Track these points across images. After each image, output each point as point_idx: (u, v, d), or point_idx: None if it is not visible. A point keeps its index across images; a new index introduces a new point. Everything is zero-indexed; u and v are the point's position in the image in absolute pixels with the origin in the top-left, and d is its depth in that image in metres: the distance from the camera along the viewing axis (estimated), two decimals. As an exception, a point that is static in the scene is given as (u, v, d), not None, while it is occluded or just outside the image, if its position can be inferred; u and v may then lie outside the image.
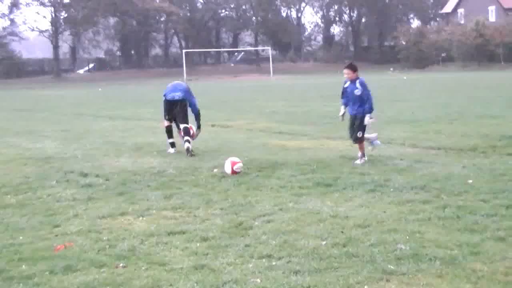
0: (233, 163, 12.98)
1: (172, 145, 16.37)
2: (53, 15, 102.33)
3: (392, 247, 7.67)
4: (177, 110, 16.33)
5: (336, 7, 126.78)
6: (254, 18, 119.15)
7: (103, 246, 8.13)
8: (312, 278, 6.83)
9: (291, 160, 14.35)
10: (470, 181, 11.40)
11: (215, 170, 13.30)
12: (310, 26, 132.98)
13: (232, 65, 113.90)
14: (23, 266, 7.48)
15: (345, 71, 14.32)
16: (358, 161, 13.82)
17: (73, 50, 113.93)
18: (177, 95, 16.60)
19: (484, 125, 19.80)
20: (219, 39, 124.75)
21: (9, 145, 18.79)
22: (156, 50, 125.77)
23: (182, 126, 15.96)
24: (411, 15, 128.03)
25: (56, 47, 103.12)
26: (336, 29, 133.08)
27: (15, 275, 7.18)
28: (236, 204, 10.20)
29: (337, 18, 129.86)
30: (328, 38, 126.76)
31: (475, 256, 7.32)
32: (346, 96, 14.24)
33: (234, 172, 12.81)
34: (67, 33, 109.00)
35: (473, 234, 8.16)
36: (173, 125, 16.63)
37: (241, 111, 29.08)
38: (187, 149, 15.49)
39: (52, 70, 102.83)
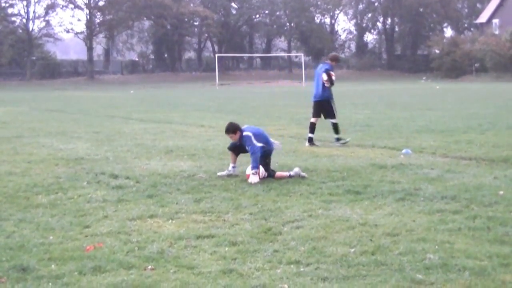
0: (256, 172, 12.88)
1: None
2: (88, 17, 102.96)
3: (421, 257, 7.64)
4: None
5: (369, 15, 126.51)
6: (287, 24, 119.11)
7: (132, 248, 8.17)
8: (340, 285, 6.82)
9: (321, 167, 14.33)
10: (501, 192, 11.31)
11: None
12: (343, 33, 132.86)
13: None
14: (53, 265, 7.53)
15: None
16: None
17: (107, 52, 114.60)
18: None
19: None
20: (253, 44, 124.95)
21: (41, 145, 18.92)
22: (189, 54, 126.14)
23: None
24: (445, 25, 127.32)
25: (90, 49, 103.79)
26: (369, 37, 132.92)
27: (44, 275, 7.24)
28: (266, 210, 10.21)
29: (370, 26, 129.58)
30: (361, 46, 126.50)
31: (505, 268, 7.27)
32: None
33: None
34: (101, 35, 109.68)
35: (503, 245, 8.11)
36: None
37: (271, 117, 29.07)
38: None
39: (85, 71, 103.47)
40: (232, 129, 13.55)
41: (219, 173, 13.49)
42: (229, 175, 13.33)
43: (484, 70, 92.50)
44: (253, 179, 12.57)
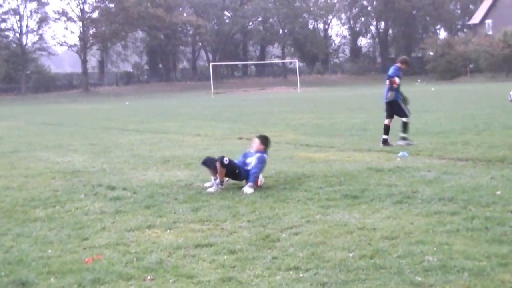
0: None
1: None
2: (82, 30, 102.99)
3: (419, 259, 7.64)
4: None
5: (363, 19, 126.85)
6: (281, 30, 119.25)
7: (131, 259, 8.16)
8: (339, 290, 6.84)
9: (318, 172, 14.33)
10: (498, 192, 11.32)
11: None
12: (337, 38, 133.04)
13: None
14: (52, 279, 7.52)
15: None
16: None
17: (101, 64, 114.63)
18: None
19: (512, 136, 19.70)
20: (247, 52, 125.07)
21: (37, 159, 18.91)
22: (184, 64, 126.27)
23: None
24: (438, 26, 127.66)
25: (84, 62, 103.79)
26: (363, 41, 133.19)
27: (44, 288, 7.24)
28: (264, 217, 10.20)
29: (364, 30, 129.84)
30: (355, 50, 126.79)
31: (504, 268, 7.28)
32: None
33: (257, 186, 12.81)
34: (95, 47, 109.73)
35: (502, 245, 8.12)
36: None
37: (267, 124, 29.09)
38: None
39: (80, 84, 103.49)
40: (266, 143, 13.65)
41: (209, 189, 12.85)
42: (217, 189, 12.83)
43: (479, 70, 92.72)
44: (249, 190, 12.53)
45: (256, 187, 12.70)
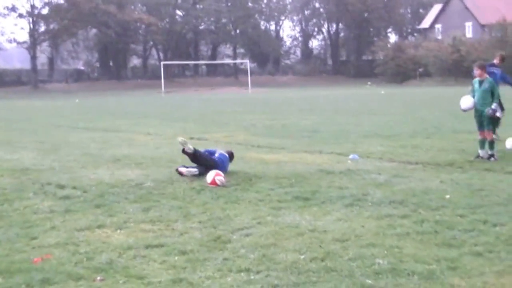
0: (217, 174, 13.05)
1: None
2: (31, 26, 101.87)
3: (370, 262, 7.69)
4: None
5: (314, 20, 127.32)
6: (233, 31, 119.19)
7: (81, 259, 8.09)
8: (290, 293, 6.84)
9: (270, 173, 14.35)
10: (448, 196, 11.45)
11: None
12: (288, 40, 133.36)
13: None
14: (0, 278, 7.42)
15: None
16: None
17: (51, 61, 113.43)
18: None
19: (461, 140, 19.90)
20: (198, 51, 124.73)
21: (-15, 156, 18.67)
22: (135, 62, 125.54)
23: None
24: (389, 30, 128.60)
25: (34, 58, 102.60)
26: (314, 43, 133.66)
27: (-9, 288, 7.14)
28: (215, 218, 10.19)
29: (315, 32, 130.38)
30: (307, 52, 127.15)
31: (453, 271, 7.35)
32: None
33: (213, 182, 12.86)
34: (45, 44, 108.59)
35: (451, 249, 8.20)
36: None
37: (219, 124, 29.04)
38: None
39: (29, 80, 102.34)
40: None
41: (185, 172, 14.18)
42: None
43: (428, 74, 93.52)
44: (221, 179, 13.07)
45: (215, 185, 12.78)
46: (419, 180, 13.21)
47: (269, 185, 12.93)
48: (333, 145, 19.44)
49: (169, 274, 7.49)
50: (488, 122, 16.08)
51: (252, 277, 7.31)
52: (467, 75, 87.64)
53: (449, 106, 36.91)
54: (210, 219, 10.13)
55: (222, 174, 13.24)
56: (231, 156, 15.05)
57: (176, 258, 8.09)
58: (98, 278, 7.38)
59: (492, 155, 15.92)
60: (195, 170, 14.16)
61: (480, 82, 16.10)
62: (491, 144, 16.04)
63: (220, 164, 14.25)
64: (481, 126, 16.22)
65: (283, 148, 19.30)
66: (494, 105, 15.90)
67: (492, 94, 15.95)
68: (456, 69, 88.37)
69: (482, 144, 16.15)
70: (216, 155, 14.66)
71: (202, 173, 13.77)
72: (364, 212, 10.40)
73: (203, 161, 14.31)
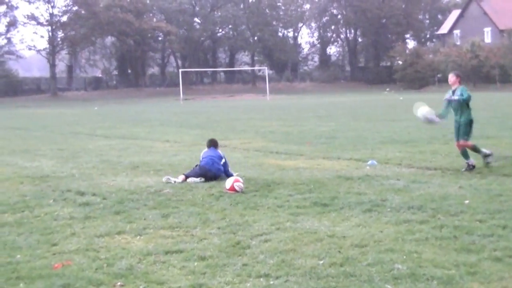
0: (236, 180, 13.12)
1: None
2: (50, 34, 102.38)
3: (389, 267, 7.69)
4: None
5: (333, 27, 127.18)
6: (251, 38, 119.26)
7: (101, 265, 8.13)
8: (309, 298, 6.86)
9: (288, 179, 14.37)
10: (467, 201, 11.42)
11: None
12: (306, 46, 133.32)
13: None
14: (21, 284, 7.49)
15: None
16: None
17: (70, 69, 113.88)
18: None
19: (480, 146, 19.80)
20: (216, 58, 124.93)
21: (5, 164, 18.78)
22: (153, 70, 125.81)
23: None
24: (408, 36, 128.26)
25: (53, 66, 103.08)
26: (332, 49, 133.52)
27: (12, 294, 7.20)
28: (234, 224, 10.22)
29: (333, 39, 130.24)
30: (325, 58, 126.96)
31: (472, 276, 7.34)
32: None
33: (232, 188, 12.90)
34: (64, 52, 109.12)
35: (470, 254, 8.19)
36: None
37: (236, 131, 29.07)
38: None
39: (48, 88, 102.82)
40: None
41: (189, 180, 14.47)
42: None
43: (446, 80, 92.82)
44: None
45: (234, 192, 12.84)
46: (438, 185, 13.19)
47: (288, 191, 12.95)
48: (351, 151, 19.43)
49: (189, 279, 7.52)
50: (463, 131, 15.55)
51: (271, 283, 7.33)
52: (486, 80, 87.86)
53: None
54: (229, 225, 10.16)
55: (241, 180, 13.27)
56: (213, 144, 15.80)
57: (195, 263, 8.12)
58: (118, 283, 7.42)
59: (487, 155, 15.69)
60: (199, 179, 14.55)
61: (453, 91, 15.79)
62: (475, 149, 15.72)
63: (209, 165, 14.80)
64: (457, 136, 15.79)
65: (301, 154, 19.31)
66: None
67: (465, 102, 15.44)
68: (475, 74, 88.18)
69: (465, 155, 15.66)
70: (200, 160, 15.31)
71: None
72: (383, 217, 10.40)
73: (201, 175, 14.67)
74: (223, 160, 15.07)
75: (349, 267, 7.76)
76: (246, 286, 7.24)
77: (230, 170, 15.11)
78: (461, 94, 15.51)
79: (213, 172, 14.67)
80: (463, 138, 15.59)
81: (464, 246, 8.55)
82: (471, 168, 15.23)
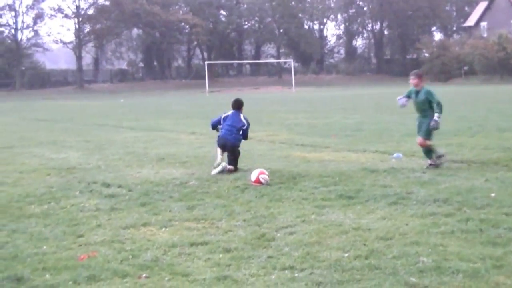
0: (261, 172, 13.11)
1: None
2: (77, 26, 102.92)
3: (414, 260, 7.66)
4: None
5: (359, 20, 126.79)
6: (277, 30, 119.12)
7: (126, 256, 8.17)
8: (334, 290, 6.85)
9: (313, 172, 14.35)
10: (493, 194, 11.36)
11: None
12: (332, 39, 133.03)
13: None
14: (47, 275, 7.53)
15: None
16: None
17: (96, 61, 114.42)
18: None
19: (506, 139, 19.71)
20: (242, 50, 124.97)
21: (32, 155, 18.91)
22: (179, 62, 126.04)
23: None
24: (434, 28, 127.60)
25: (79, 58, 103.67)
26: (358, 42, 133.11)
27: (39, 284, 7.24)
28: (259, 216, 10.22)
29: (359, 31, 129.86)
30: (351, 51, 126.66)
31: (498, 270, 7.30)
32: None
33: (257, 181, 12.90)
34: (90, 44, 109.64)
35: (496, 247, 8.15)
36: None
37: (262, 123, 29.03)
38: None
39: (75, 80, 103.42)
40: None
41: (213, 172, 14.43)
42: (222, 171, 14.43)
43: (473, 73, 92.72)
44: None
45: (259, 184, 12.89)
46: (464, 178, 13.11)
47: (313, 183, 12.93)
48: (376, 144, 19.38)
49: (214, 271, 7.53)
50: (426, 129, 15.11)
51: (296, 275, 7.33)
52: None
53: (494, 105, 36.61)
54: (254, 217, 10.17)
55: (266, 173, 13.27)
56: (238, 105, 15.92)
57: (220, 255, 8.14)
58: (143, 275, 7.45)
59: (440, 156, 15.02)
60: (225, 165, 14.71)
61: (417, 92, 15.23)
62: (430, 150, 15.13)
63: (227, 135, 15.25)
64: (418, 132, 15.38)
65: (326, 147, 19.27)
66: (436, 116, 15.07)
67: (430, 103, 15.10)
68: (502, 67, 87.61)
69: (427, 153, 15.18)
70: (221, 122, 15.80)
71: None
72: (408, 210, 10.36)
73: (220, 146, 15.25)
74: (244, 126, 15.41)
75: (374, 259, 7.74)
76: (270, 279, 7.24)
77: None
78: (430, 101, 15.13)
79: (232, 142, 15.05)
80: (423, 136, 15.10)
81: (490, 239, 8.50)
82: (435, 165, 14.76)
